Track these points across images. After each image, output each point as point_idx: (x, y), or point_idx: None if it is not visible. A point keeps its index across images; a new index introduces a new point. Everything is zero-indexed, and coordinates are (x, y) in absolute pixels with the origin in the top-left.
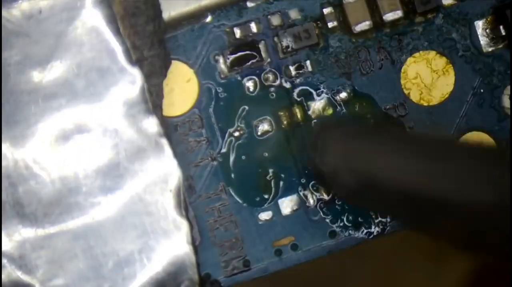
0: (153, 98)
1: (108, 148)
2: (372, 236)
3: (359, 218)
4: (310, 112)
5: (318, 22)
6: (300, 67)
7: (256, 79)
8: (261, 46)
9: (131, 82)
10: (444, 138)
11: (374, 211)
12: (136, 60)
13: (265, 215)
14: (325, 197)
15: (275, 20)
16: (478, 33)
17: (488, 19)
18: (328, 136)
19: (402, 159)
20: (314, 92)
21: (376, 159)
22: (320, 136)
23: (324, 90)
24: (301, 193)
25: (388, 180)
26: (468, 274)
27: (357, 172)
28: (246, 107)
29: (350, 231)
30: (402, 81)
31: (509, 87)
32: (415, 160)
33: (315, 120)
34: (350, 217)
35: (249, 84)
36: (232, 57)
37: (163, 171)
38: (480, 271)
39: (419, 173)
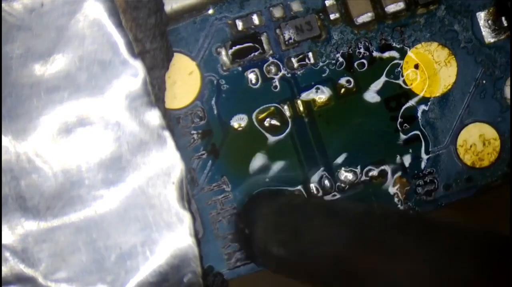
0: (155, 91)
1: (111, 141)
2: None
3: None
4: (312, 104)
5: (320, 14)
6: (302, 59)
7: (258, 71)
8: (263, 38)
9: (133, 75)
10: (365, 209)
11: (302, 281)
12: (138, 52)
13: None
14: (329, 188)
15: (277, 12)
16: (480, 24)
17: (490, 10)
18: (257, 209)
19: (328, 230)
20: (316, 84)
21: (303, 231)
22: (250, 209)
23: (326, 82)
24: (304, 185)
25: (316, 249)
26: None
27: (286, 243)
28: (249, 99)
29: None
30: (404, 73)
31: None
32: (339, 232)
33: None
34: None
35: (252, 76)
36: (234, 49)
37: (166, 163)
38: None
39: (343, 243)
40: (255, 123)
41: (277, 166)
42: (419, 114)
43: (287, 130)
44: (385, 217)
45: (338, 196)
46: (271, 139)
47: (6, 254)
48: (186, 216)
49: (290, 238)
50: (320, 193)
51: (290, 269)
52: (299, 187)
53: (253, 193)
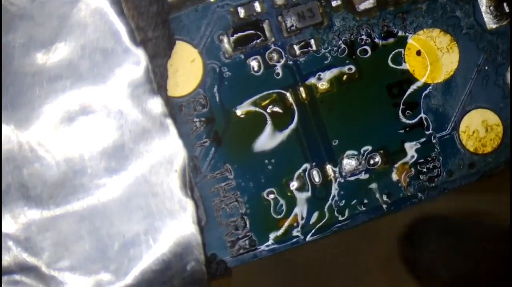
0: (157, 79)
1: (113, 129)
2: (378, 215)
3: (365, 199)
4: (314, 91)
5: (322, 1)
6: (304, 46)
7: (260, 58)
8: (265, 25)
9: (135, 63)
10: None
11: None
12: (140, 41)
13: (271, 195)
14: (332, 175)
15: None
16: (482, 10)
17: None
18: (425, 230)
19: (500, 254)
20: (318, 71)
21: (473, 255)
22: (417, 229)
23: (329, 69)
24: (307, 172)
25: (489, 275)
26: None
27: (455, 266)
28: (251, 87)
29: (356, 210)
30: (407, 59)
31: None
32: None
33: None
34: (356, 196)
35: (254, 64)
36: (236, 36)
37: (168, 151)
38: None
39: None
40: (258, 110)
41: (280, 150)
42: (422, 100)
43: (290, 117)
44: None
45: (341, 180)
46: (274, 125)
47: (9, 243)
48: (189, 204)
49: (459, 262)
50: (322, 180)
51: None
52: (301, 173)
53: (421, 217)
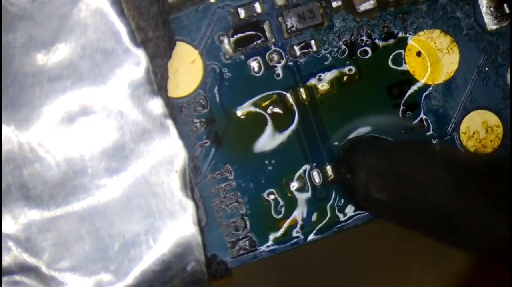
0: (158, 79)
1: (113, 129)
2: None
3: None
4: (315, 92)
5: (322, 2)
6: (304, 46)
7: (261, 59)
8: (266, 26)
9: (135, 63)
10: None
11: (401, 226)
12: (141, 41)
13: (271, 196)
14: (332, 176)
15: (279, 0)
16: (482, 11)
17: None
18: (358, 152)
19: (430, 175)
20: (319, 72)
21: (405, 176)
22: (350, 152)
23: (329, 70)
24: (307, 173)
25: (418, 194)
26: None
27: (388, 188)
28: (251, 88)
29: (356, 211)
30: (407, 60)
31: None
32: (444, 176)
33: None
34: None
35: (254, 64)
36: (236, 37)
37: (169, 152)
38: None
39: (450, 189)
40: (258, 110)
41: (280, 151)
42: (422, 101)
43: (290, 118)
44: (488, 163)
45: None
46: (274, 126)
47: (9, 243)
48: (189, 205)
49: (392, 183)
50: (322, 181)
51: (391, 213)
52: (301, 173)
53: (353, 138)
